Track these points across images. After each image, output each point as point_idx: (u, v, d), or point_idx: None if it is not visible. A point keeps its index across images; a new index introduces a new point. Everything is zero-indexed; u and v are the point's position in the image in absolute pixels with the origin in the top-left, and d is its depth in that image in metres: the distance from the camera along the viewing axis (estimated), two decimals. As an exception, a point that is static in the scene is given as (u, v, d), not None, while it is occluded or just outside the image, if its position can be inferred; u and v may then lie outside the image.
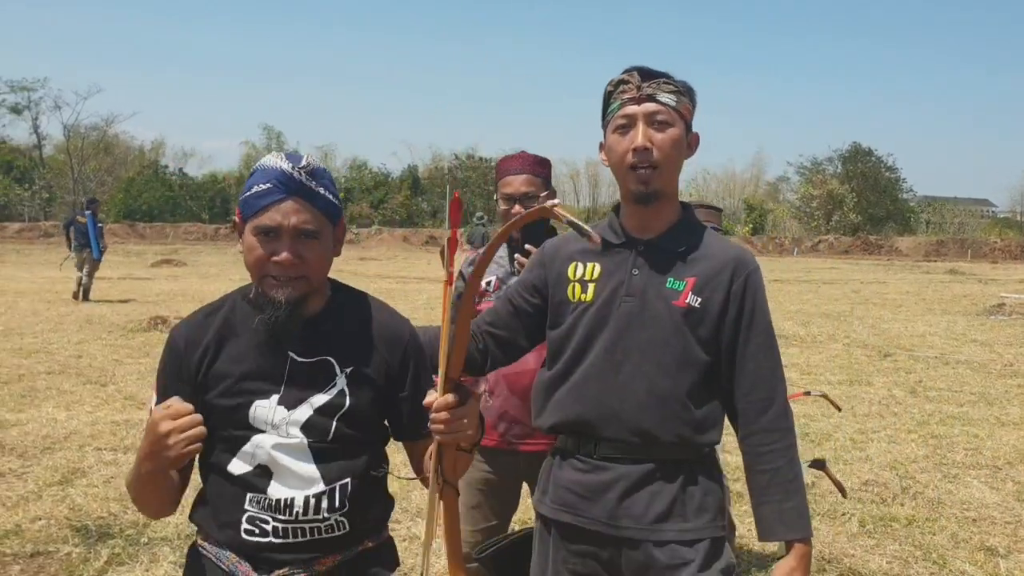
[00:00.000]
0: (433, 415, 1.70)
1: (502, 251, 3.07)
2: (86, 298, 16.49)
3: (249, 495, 1.79)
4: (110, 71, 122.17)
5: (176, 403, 1.70)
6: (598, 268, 2.13)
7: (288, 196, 1.76)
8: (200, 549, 1.87)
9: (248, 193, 1.79)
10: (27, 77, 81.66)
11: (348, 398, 1.82)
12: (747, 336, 2.06)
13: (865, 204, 64.57)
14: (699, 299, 2.04)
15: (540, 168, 3.08)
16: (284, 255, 1.76)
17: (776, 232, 60.88)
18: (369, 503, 1.87)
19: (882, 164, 68.33)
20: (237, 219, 1.85)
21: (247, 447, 1.80)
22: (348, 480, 1.81)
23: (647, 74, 2.04)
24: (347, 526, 1.82)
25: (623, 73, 2.07)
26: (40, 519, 4.77)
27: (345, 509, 1.81)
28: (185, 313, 13.04)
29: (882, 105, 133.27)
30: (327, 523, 1.80)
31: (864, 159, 67.95)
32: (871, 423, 7.55)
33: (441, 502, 1.80)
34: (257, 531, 1.78)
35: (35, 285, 19.65)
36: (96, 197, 20.48)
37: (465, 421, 1.71)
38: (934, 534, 4.90)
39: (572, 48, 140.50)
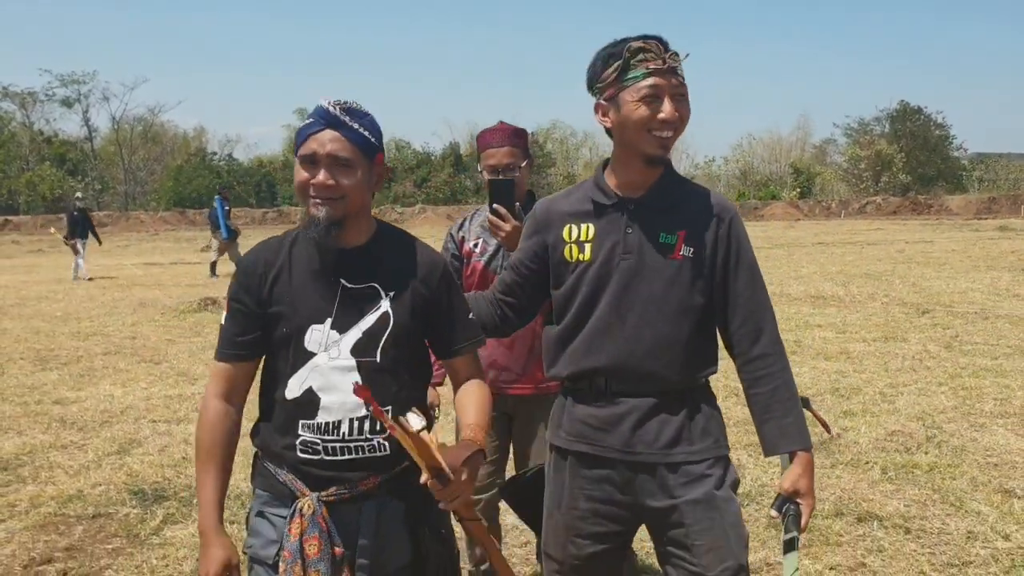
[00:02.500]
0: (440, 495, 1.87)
1: (482, 216, 3.32)
2: (213, 273, 18.42)
3: (302, 421, 2.01)
4: (154, 62, 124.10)
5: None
6: (592, 229, 2.31)
7: (326, 127, 2.00)
8: (262, 464, 2.12)
9: (299, 129, 2.06)
10: (76, 71, 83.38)
11: (392, 318, 2.04)
12: (735, 275, 2.27)
13: (914, 164, 63.30)
14: (692, 249, 2.25)
15: (518, 139, 3.31)
16: (320, 177, 1.99)
17: (823, 196, 59.99)
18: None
19: (931, 122, 66.84)
20: (295, 156, 2.08)
21: (302, 371, 2.04)
22: (390, 407, 1.98)
23: (662, 44, 2.17)
24: (388, 448, 2.02)
25: (639, 39, 2.16)
26: (100, 485, 5.11)
27: (386, 433, 1.99)
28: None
29: (930, 62, 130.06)
30: (370, 443, 2.02)
31: (913, 118, 66.52)
32: (903, 377, 7.62)
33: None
34: (310, 451, 2.01)
35: (91, 272, 20.27)
36: (230, 184, 22.31)
37: (460, 493, 1.89)
38: (954, 479, 5.02)
39: (610, 14, 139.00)
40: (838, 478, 5.06)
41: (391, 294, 2.06)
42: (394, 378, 2.06)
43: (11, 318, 12.46)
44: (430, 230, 43.09)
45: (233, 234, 19.05)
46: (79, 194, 23.23)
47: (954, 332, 9.76)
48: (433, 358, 3.20)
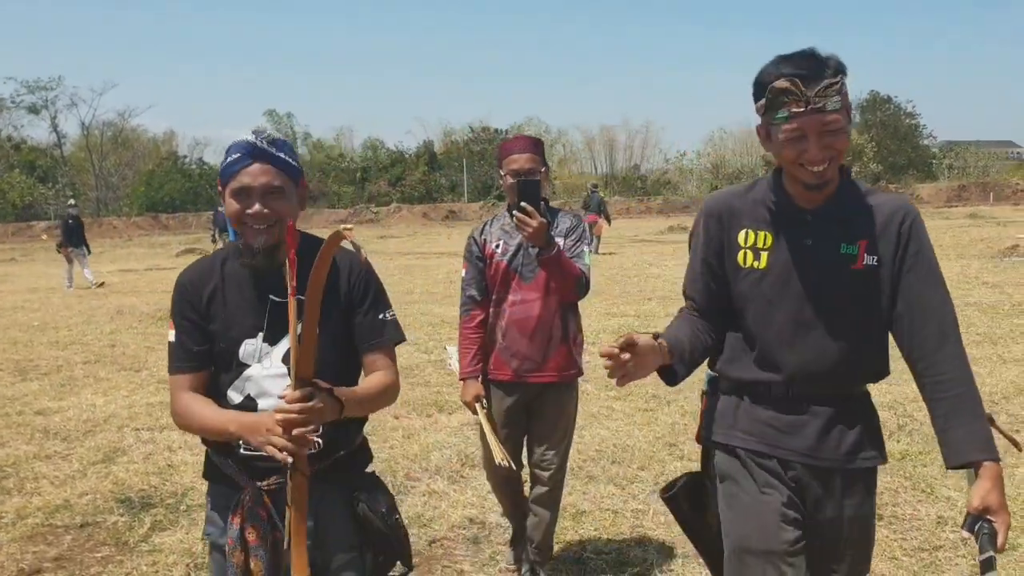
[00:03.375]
0: (285, 408, 1.97)
1: (507, 220, 3.61)
2: None
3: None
4: (122, 65, 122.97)
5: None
6: (769, 238, 2.25)
7: (254, 160, 2.15)
8: (212, 458, 2.30)
9: (225, 164, 2.19)
10: (42, 77, 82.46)
11: (319, 327, 2.14)
12: (919, 277, 2.17)
13: (885, 153, 64.03)
14: (875, 257, 2.18)
15: (538, 148, 3.64)
16: (256, 208, 2.15)
17: (796, 186, 60.39)
18: (339, 426, 2.18)
19: (901, 111, 67.69)
20: (220, 188, 2.23)
21: (238, 381, 2.22)
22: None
23: (809, 79, 2.04)
24: (320, 445, 2.17)
25: (783, 77, 2.05)
26: (87, 494, 5.15)
27: (319, 431, 2.09)
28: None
29: (899, 51, 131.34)
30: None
31: (883, 107, 67.33)
32: (874, 367, 7.78)
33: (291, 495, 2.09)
34: (250, 447, 2.14)
35: (94, 278, 20.14)
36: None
37: (316, 415, 1.99)
38: (925, 466, 5.16)
39: (578, 16, 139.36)
40: (812, 468, 5.18)
41: None
42: (322, 378, 2.13)
43: (-13, 329, 12.38)
44: (406, 228, 43.18)
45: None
46: (72, 201, 22.60)
47: (924, 321, 9.92)
48: (473, 351, 3.76)
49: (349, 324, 2.30)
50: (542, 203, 3.52)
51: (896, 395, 6.75)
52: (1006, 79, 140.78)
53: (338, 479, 2.26)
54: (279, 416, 1.98)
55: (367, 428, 2.45)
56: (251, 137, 2.18)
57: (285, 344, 2.20)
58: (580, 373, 3.76)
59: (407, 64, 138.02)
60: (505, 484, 3.88)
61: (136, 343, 10.65)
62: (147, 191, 63.18)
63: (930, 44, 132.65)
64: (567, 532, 4.33)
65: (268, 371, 2.21)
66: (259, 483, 2.18)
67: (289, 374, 2.10)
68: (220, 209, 20.17)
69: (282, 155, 2.20)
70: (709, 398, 2.41)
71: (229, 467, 2.24)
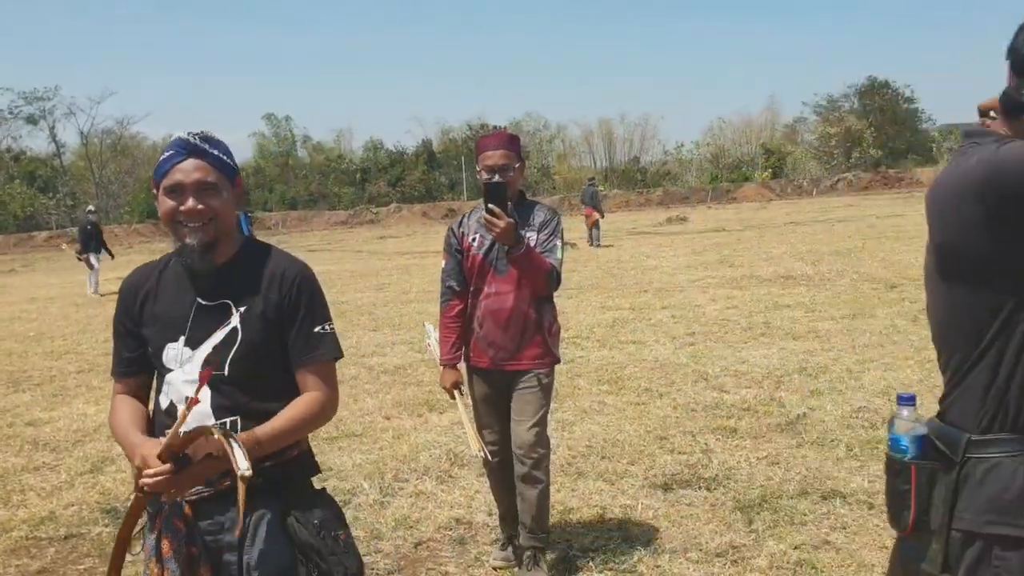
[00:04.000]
0: (146, 473, 1.93)
1: (482, 212, 3.55)
2: None
3: (166, 429, 2.00)
4: (118, 74, 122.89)
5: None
6: None
7: (188, 156, 2.11)
8: None
9: (159, 162, 2.15)
10: (39, 87, 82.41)
11: (240, 334, 2.13)
12: None
13: (884, 138, 63.73)
14: None
15: (512, 144, 3.72)
16: (189, 204, 2.10)
17: (795, 175, 60.32)
18: None
19: (899, 96, 67.39)
20: (154, 190, 2.18)
21: (164, 385, 2.18)
22: (237, 418, 2.10)
23: None
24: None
25: None
26: (72, 505, 5.12)
27: (194, 487, 2.04)
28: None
29: (896, 34, 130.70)
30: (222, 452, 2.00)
31: (881, 92, 67.00)
32: (870, 353, 7.73)
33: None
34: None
35: (64, 290, 20.16)
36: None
37: (173, 490, 1.96)
38: None
39: (574, 12, 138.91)
40: (804, 457, 5.13)
41: (242, 309, 2.15)
42: (243, 390, 2.13)
43: (-17, 341, 12.36)
44: (406, 228, 43.14)
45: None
46: (91, 207, 22.53)
47: (921, 306, 9.74)
48: (452, 340, 3.85)
49: (283, 339, 2.19)
50: (517, 197, 3.69)
51: (890, 381, 6.70)
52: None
53: (267, 493, 2.11)
54: (143, 478, 1.94)
55: (357, 428, 2.41)
56: (184, 134, 2.14)
57: (205, 348, 2.14)
58: (556, 361, 3.85)
59: (403, 64, 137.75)
60: (495, 477, 4.00)
61: (131, 351, 10.61)
62: (147, 198, 62.98)
63: (927, 26, 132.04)
64: (554, 530, 4.28)
65: (187, 376, 2.14)
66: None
67: (208, 382, 2.06)
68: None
69: (216, 152, 2.16)
70: (957, 469, 1.79)
71: None
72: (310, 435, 2.30)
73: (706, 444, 5.46)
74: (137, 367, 2.27)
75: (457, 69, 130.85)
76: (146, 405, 2.28)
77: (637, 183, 62.65)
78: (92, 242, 19.06)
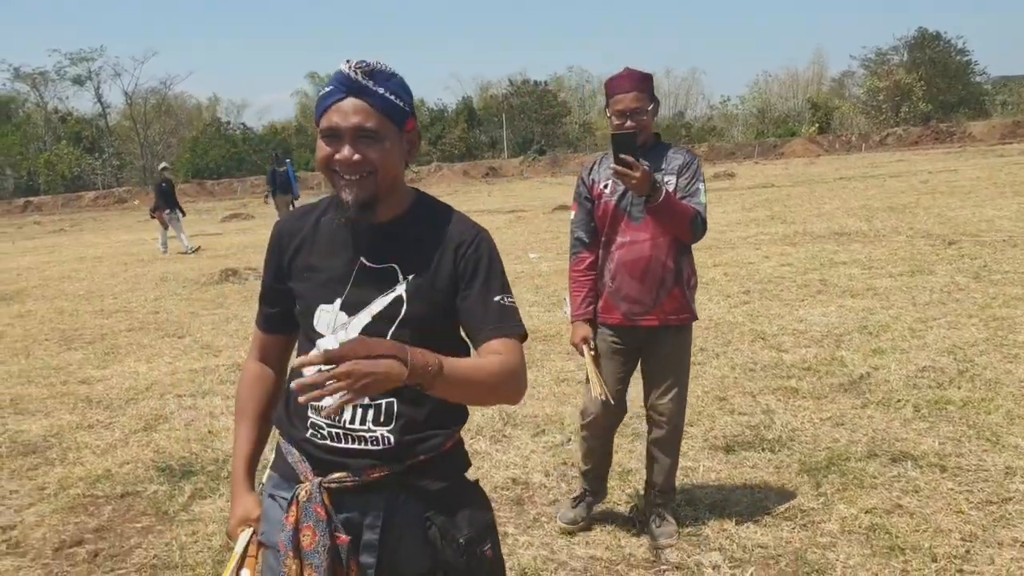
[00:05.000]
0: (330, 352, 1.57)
1: (612, 159, 3.38)
2: None
3: (312, 403, 1.74)
4: (162, 34, 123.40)
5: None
6: None
7: (347, 95, 1.78)
8: (279, 441, 1.99)
9: (318, 98, 1.84)
10: (84, 48, 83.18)
11: (405, 305, 1.84)
12: None
13: (935, 92, 62.10)
14: None
15: (645, 83, 3.46)
16: (344, 153, 1.78)
17: (843, 130, 59.06)
18: (424, 419, 1.85)
19: (951, 48, 65.52)
20: (317, 126, 1.86)
21: (312, 352, 1.77)
22: (394, 400, 1.81)
23: None
24: (391, 442, 1.82)
25: None
26: (127, 463, 5.12)
27: (391, 426, 1.82)
28: (256, 264, 13.29)
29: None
30: (372, 435, 1.82)
31: (931, 44, 65.23)
32: (931, 311, 7.48)
33: None
34: (318, 435, 1.86)
35: (112, 249, 20.37)
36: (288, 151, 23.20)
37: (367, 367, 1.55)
38: (989, 413, 4.91)
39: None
40: (870, 418, 4.97)
41: (409, 276, 1.85)
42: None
43: (35, 299, 12.52)
44: (447, 187, 42.98)
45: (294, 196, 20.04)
46: (165, 164, 21.98)
47: (982, 262, 9.56)
48: (583, 294, 3.65)
49: (454, 313, 1.89)
50: (652, 141, 3.52)
51: (955, 340, 6.47)
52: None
53: (415, 490, 1.87)
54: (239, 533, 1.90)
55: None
56: (345, 66, 1.80)
57: (364, 316, 1.84)
58: (694, 317, 3.65)
59: (442, 19, 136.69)
60: (599, 431, 3.78)
61: (180, 309, 10.67)
62: (192, 158, 63.69)
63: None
64: (613, 491, 4.17)
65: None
66: (321, 478, 1.84)
67: None
68: (275, 167, 20.09)
69: (382, 90, 1.79)
70: None
71: (293, 455, 1.91)
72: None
73: (767, 405, 5.31)
74: (277, 326, 2.05)
75: (497, 24, 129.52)
76: (282, 373, 2.09)
77: (682, 138, 61.78)
78: (166, 200, 18.78)
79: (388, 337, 1.80)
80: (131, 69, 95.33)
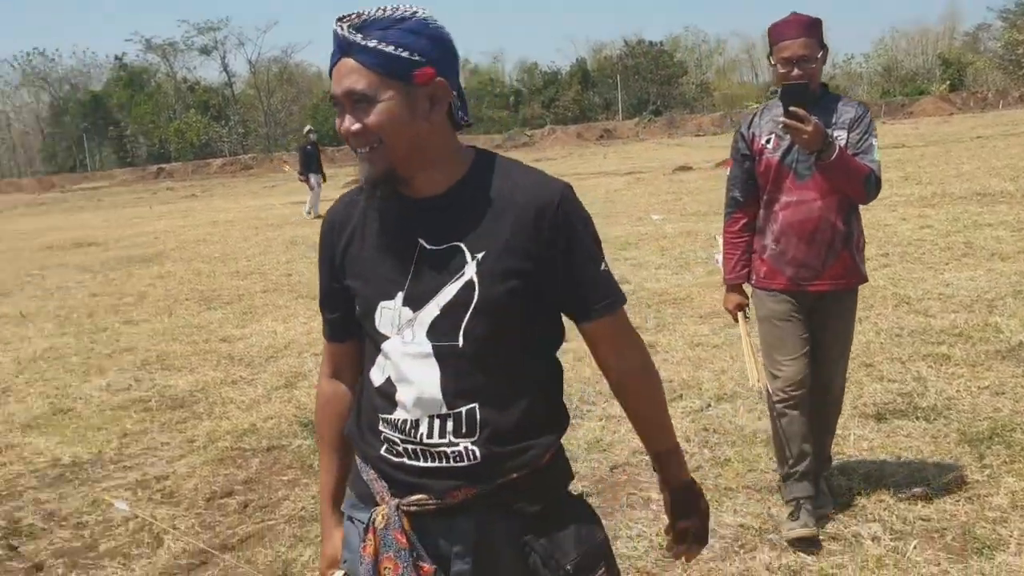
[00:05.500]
0: None
1: (778, 110, 3.20)
2: None
3: (382, 415, 1.62)
4: (280, 3, 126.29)
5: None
6: None
7: (341, 56, 1.52)
8: (356, 457, 1.74)
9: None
10: (211, 19, 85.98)
11: (477, 290, 1.53)
12: None
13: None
14: None
15: (814, 29, 3.18)
16: (344, 123, 1.53)
17: (977, 87, 55.87)
18: (511, 430, 1.58)
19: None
20: None
21: (378, 356, 1.63)
22: (476, 406, 1.55)
23: None
24: (476, 456, 1.56)
25: None
26: (271, 418, 5.27)
27: (475, 437, 1.56)
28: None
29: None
30: (454, 450, 1.56)
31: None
32: (1094, 276, 6.98)
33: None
34: (393, 452, 1.62)
35: (242, 214, 21.07)
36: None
37: None
38: None
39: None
40: (1033, 388, 4.66)
41: (479, 256, 1.54)
42: (482, 367, 1.56)
43: (173, 261, 13.07)
44: (561, 150, 42.80)
45: None
46: (309, 127, 21.96)
47: None
48: (737, 256, 3.43)
49: (542, 291, 1.59)
50: (820, 92, 3.26)
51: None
52: None
53: (508, 512, 1.60)
54: None
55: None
56: (335, 24, 1.52)
57: (432, 309, 1.55)
58: (863, 280, 3.40)
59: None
60: (788, 411, 3.37)
61: (311, 272, 10.93)
62: (313, 124, 65.22)
63: None
64: (760, 458, 4.05)
65: (409, 347, 1.57)
66: (399, 500, 1.60)
67: (436, 356, 1.56)
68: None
69: (373, 43, 1.48)
70: None
71: (368, 472, 1.67)
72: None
73: (918, 372, 5.05)
74: (343, 332, 1.75)
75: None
76: (356, 381, 1.78)
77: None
78: (312, 163, 18.84)
79: (462, 331, 1.54)
80: (254, 38, 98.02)
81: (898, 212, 11.29)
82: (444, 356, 1.55)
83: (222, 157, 56.59)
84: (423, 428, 1.56)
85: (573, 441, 4.45)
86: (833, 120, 3.21)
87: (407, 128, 1.51)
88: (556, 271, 1.57)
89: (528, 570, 1.58)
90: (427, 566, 1.59)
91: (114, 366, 6.88)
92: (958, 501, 3.52)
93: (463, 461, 1.56)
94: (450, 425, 1.55)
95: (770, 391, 3.41)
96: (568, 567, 1.56)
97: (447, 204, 1.58)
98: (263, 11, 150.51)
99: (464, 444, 1.55)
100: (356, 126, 1.51)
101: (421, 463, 1.58)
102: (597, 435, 4.55)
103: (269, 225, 17.67)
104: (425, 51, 1.51)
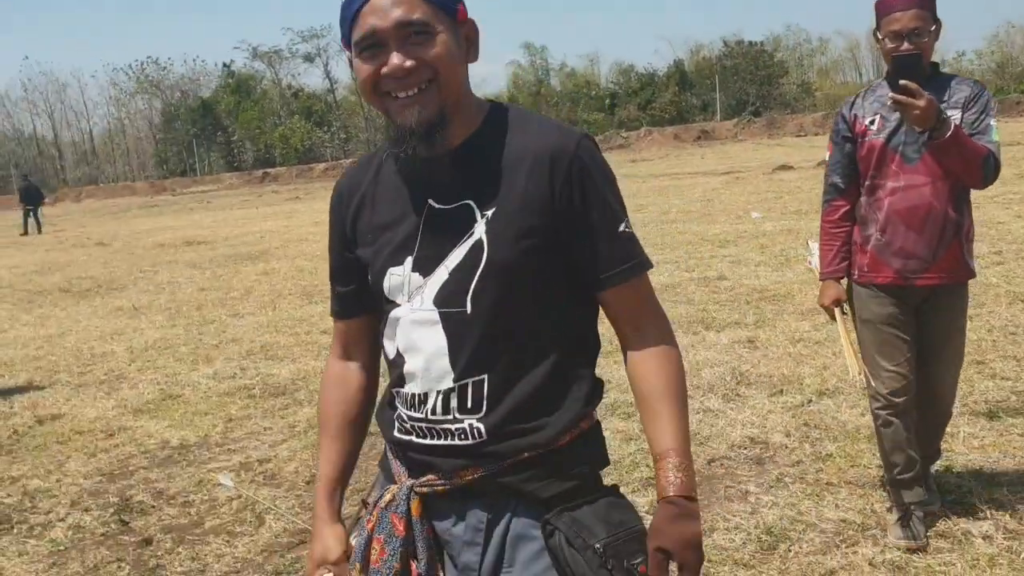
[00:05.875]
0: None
1: (884, 90, 3.00)
2: None
3: (395, 389, 1.54)
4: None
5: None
6: None
7: None
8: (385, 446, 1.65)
9: (341, 9, 1.45)
10: (315, 26, 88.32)
11: (486, 250, 1.42)
12: None
13: None
14: None
15: (927, 0, 2.92)
16: (394, 60, 1.38)
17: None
18: (520, 406, 1.45)
19: None
20: (347, 55, 1.48)
21: (388, 326, 1.53)
22: (485, 377, 1.44)
23: None
24: (482, 433, 1.45)
25: None
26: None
27: (480, 413, 1.45)
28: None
29: None
30: (458, 427, 1.46)
31: None
32: None
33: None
34: (401, 430, 1.53)
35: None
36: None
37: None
38: None
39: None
40: None
41: (488, 213, 1.42)
42: (492, 336, 1.43)
43: (277, 259, 13.46)
44: (657, 151, 42.40)
45: None
46: None
47: None
48: (836, 247, 3.18)
49: (557, 251, 1.45)
50: (931, 70, 3.01)
51: None
52: None
53: (522, 495, 1.47)
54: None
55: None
56: None
57: (441, 273, 1.44)
58: (971, 274, 3.14)
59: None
60: (896, 416, 3.16)
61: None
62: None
63: None
64: (863, 454, 3.93)
65: (416, 314, 1.47)
66: (414, 481, 1.51)
67: (443, 322, 1.44)
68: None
69: None
70: None
71: (390, 451, 1.60)
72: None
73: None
74: (355, 306, 1.63)
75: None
76: (372, 367, 1.70)
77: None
78: None
79: (469, 295, 1.42)
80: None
81: (1012, 210, 10.81)
82: (451, 324, 1.44)
83: (324, 162, 57.93)
84: (430, 403, 1.47)
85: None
86: (945, 99, 2.97)
87: (460, 66, 1.43)
88: (572, 230, 1.44)
89: (551, 552, 1.42)
90: (417, 568, 1.50)
91: (220, 356, 7.12)
92: (1079, 502, 3.34)
93: (468, 439, 1.45)
94: (454, 401, 1.45)
95: (872, 385, 3.19)
96: (597, 546, 1.37)
97: (458, 159, 1.46)
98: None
99: (469, 421, 1.45)
100: (410, 62, 1.37)
101: (428, 440, 1.48)
102: (695, 428, 4.48)
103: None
104: None
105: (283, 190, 41.53)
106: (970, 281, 3.18)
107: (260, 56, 71.42)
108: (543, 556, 1.43)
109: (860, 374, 3.21)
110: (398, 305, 1.48)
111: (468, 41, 1.46)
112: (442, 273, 1.44)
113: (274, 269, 12.25)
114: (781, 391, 4.91)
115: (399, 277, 1.47)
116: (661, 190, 19.56)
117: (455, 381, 1.44)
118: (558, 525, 1.41)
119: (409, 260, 1.46)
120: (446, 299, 1.43)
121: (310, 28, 73.43)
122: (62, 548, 3.79)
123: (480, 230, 1.42)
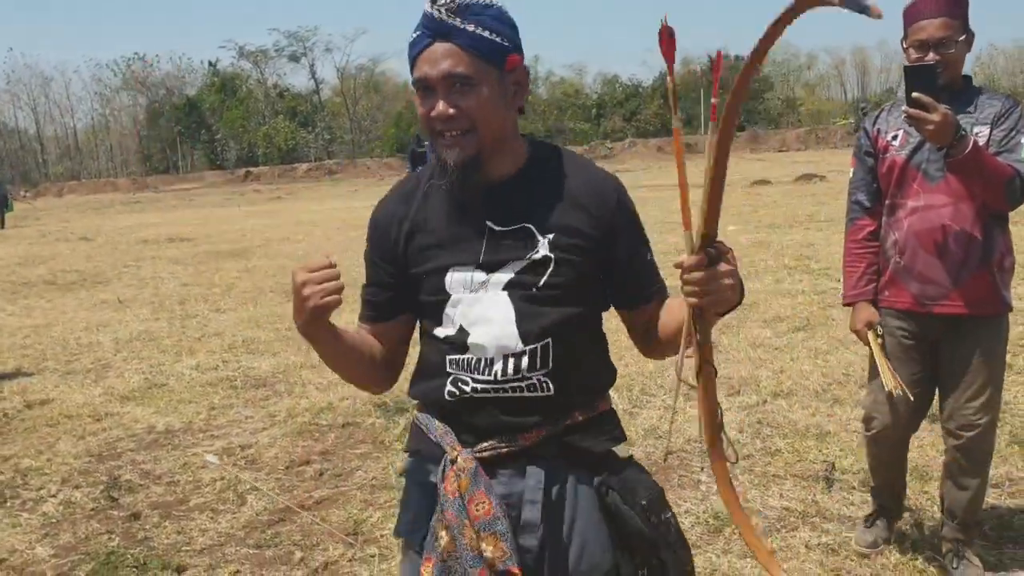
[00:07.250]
0: (685, 277, 1.46)
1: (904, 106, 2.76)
2: None
3: (450, 356, 1.68)
4: (371, 12, 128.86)
5: (315, 260, 1.63)
6: None
7: (435, 39, 1.56)
8: (415, 420, 1.80)
9: (409, 45, 1.61)
10: (301, 27, 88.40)
11: (554, 263, 1.63)
12: None
13: None
14: None
15: (957, 7, 2.73)
16: (439, 107, 1.56)
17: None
18: (579, 367, 1.69)
19: None
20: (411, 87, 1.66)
21: (448, 309, 1.68)
22: (549, 341, 1.63)
23: None
24: (551, 387, 1.64)
25: None
26: (347, 399, 5.60)
27: (548, 369, 1.64)
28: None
29: None
30: (528, 382, 1.64)
31: None
32: None
33: (700, 383, 1.61)
34: (458, 392, 1.67)
35: (325, 216, 21.73)
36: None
37: (724, 283, 1.45)
38: None
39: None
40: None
41: (549, 236, 1.64)
42: (556, 305, 1.64)
43: (259, 257, 13.65)
44: (640, 163, 42.81)
45: None
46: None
47: None
48: (862, 269, 3.02)
49: (596, 274, 1.70)
50: (962, 84, 2.83)
51: None
52: None
53: (577, 455, 1.69)
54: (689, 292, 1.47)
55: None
56: (428, 5, 1.57)
57: (507, 272, 1.64)
58: (1008, 308, 2.88)
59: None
60: (889, 440, 3.12)
61: (387, 269, 11.34)
62: (396, 132, 66.47)
63: None
64: (810, 451, 4.21)
65: (481, 294, 1.65)
66: (471, 449, 1.66)
67: (512, 298, 1.63)
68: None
69: (471, 27, 1.54)
70: None
71: (435, 428, 1.72)
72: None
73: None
74: (389, 310, 1.79)
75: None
76: (393, 355, 1.84)
77: (890, 116, 58.54)
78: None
79: (540, 284, 1.64)
80: (342, 47, 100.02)
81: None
82: (520, 300, 1.63)
83: (308, 162, 58.07)
84: (497, 366, 1.63)
85: (632, 428, 4.66)
86: (974, 113, 2.78)
87: (499, 114, 1.60)
88: (613, 258, 1.69)
89: (606, 509, 1.66)
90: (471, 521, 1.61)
91: (203, 348, 7.34)
92: None
93: (537, 392, 1.63)
94: (525, 361, 1.62)
95: (906, 392, 2.96)
96: (644, 502, 1.63)
97: (512, 188, 1.66)
98: (352, 20, 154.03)
99: (537, 376, 1.63)
100: (452, 110, 1.55)
101: (494, 395, 1.64)
102: (655, 423, 4.76)
103: (350, 227, 18.19)
104: (510, 37, 1.59)
105: (265, 189, 41.62)
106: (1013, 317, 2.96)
107: (246, 55, 71.60)
108: (595, 511, 1.67)
109: (896, 388, 2.96)
110: (459, 295, 1.66)
111: (517, 86, 1.63)
112: (508, 272, 1.64)
113: (255, 267, 12.46)
114: (738, 391, 5.20)
115: (463, 274, 1.65)
116: (641, 201, 19.43)
117: (525, 345, 1.62)
118: (611, 484, 1.66)
119: (474, 263, 1.65)
120: (515, 284, 1.64)
121: (297, 28, 73.60)
122: (54, 521, 4.00)
123: (544, 248, 1.63)
